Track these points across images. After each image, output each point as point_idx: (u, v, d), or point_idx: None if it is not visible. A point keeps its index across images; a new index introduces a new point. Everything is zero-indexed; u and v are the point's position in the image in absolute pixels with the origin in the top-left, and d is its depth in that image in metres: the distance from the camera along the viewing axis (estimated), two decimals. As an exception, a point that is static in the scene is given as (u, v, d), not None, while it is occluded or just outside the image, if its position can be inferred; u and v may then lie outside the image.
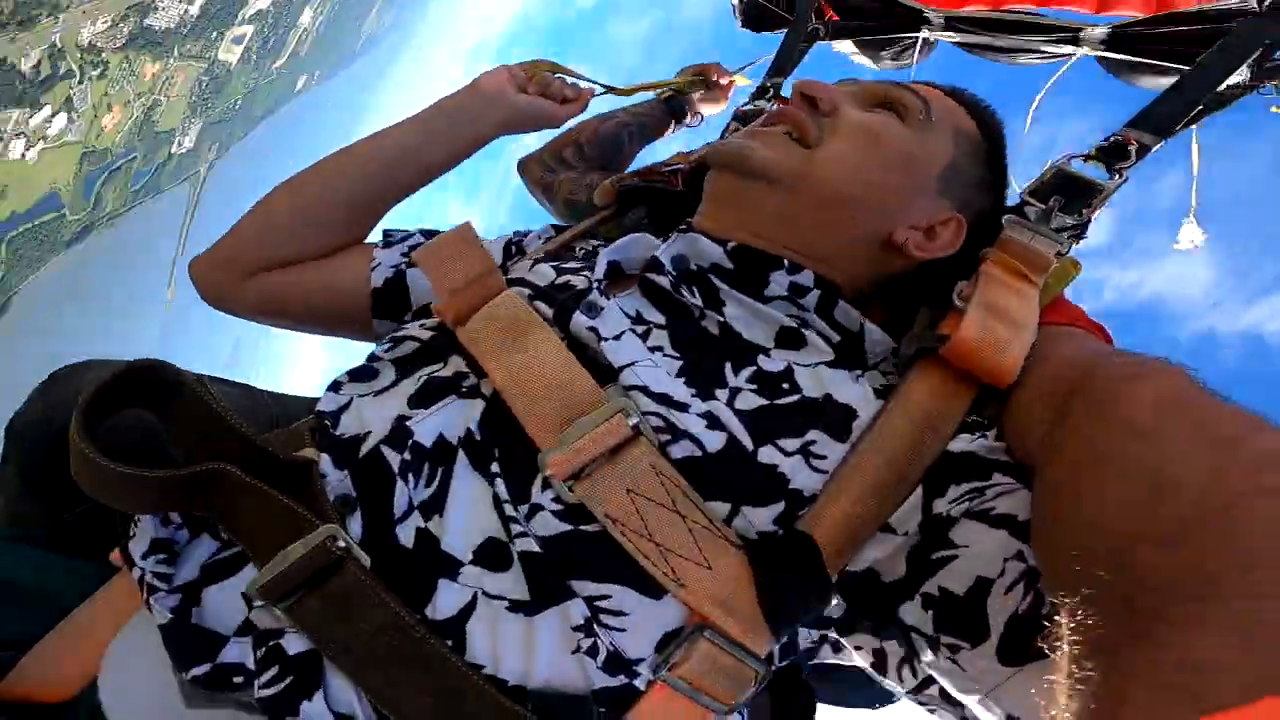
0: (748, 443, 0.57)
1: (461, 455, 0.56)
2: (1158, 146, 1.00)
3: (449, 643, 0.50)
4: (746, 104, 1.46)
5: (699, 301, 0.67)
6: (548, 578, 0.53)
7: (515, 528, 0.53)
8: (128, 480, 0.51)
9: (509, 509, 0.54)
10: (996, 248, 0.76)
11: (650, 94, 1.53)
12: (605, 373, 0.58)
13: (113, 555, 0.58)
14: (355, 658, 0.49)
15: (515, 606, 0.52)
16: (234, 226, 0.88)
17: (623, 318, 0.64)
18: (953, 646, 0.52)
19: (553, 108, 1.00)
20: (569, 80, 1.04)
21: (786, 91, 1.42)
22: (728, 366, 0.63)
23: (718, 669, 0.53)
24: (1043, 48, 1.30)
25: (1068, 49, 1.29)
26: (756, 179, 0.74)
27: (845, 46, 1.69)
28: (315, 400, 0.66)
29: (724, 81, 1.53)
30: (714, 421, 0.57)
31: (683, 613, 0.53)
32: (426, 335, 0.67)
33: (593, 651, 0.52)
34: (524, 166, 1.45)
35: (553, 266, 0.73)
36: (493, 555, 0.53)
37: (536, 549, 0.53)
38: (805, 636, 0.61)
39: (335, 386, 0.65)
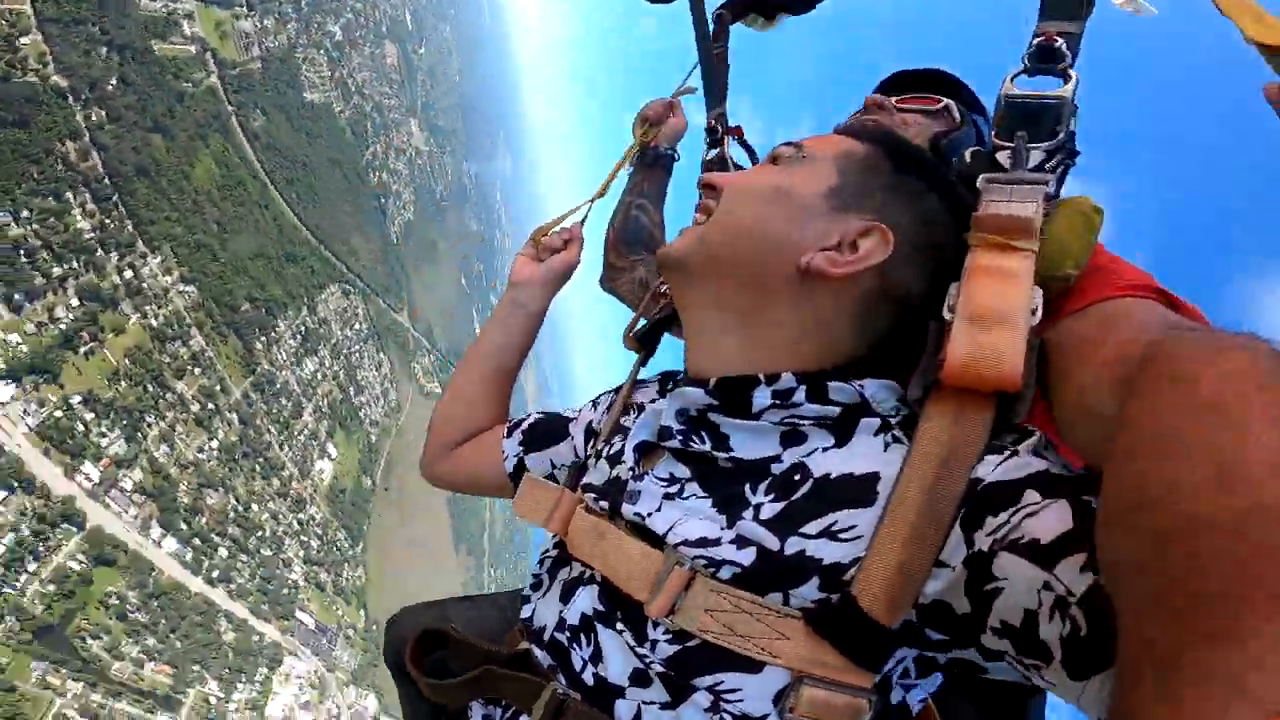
0: (774, 544, 0.72)
1: (597, 623, 0.83)
2: (1082, 30, 0.97)
3: None
4: (708, 154, 1.68)
5: (708, 447, 0.83)
6: (675, 683, 0.75)
7: (646, 658, 0.77)
8: (447, 689, 0.90)
9: (637, 648, 0.79)
10: (975, 229, 0.81)
11: (626, 169, 1.73)
12: (659, 538, 0.80)
13: None
14: None
15: (663, 706, 0.76)
16: (429, 425, 1.36)
17: (657, 491, 0.85)
18: (1035, 666, 0.60)
19: (562, 258, 1.39)
20: (561, 227, 1.43)
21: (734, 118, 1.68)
22: (747, 488, 0.78)
23: (829, 705, 0.68)
24: None
25: None
26: (679, 270, 0.94)
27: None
28: None
29: (668, 107, 1.74)
30: (742, 541, 0.74)
31: (786, 674, 0.70)
32: (555, 551, 0.98)
33: None
34: (602, 284, 1.80)
35: (608, 459, 0.98)
36: (640, 678, 0.78)
37: (662, 668, 0.76)
38: (922, 659, 0.72)
39: (526, 599, 0.99)
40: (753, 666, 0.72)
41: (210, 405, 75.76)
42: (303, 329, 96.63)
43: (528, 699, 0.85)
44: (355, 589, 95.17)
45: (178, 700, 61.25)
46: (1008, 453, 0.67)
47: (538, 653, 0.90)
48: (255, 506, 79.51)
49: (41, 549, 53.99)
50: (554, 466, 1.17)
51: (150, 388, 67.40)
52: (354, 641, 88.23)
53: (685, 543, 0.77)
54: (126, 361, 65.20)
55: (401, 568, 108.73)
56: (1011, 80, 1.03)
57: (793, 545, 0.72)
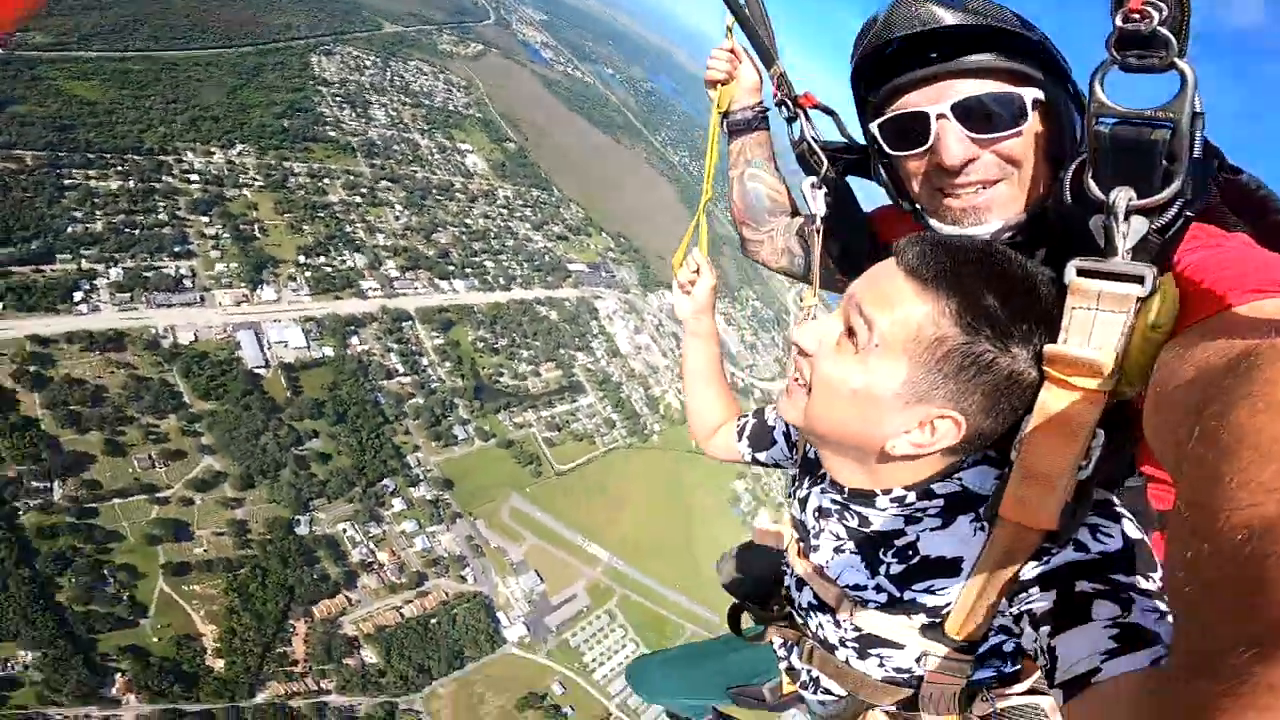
0: (896, 592, 1.15)
1: (815, 610, 1.35)
2: None
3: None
4: (793, 134, 1.64)
5: (855, 524, 1.22)
6: (859, 648, 1.26)
7: (843, 634, 1.28)
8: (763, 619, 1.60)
9: (836, 629, 1.30)
10: (1047, 362, 0.90)
11: (723, 146, 1.87)
12: (834, 580, 1.28)
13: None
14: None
15: (856, 659, 1.29)
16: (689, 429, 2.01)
17: (829, 545, 1.29)
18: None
19: (701, 286, 1.81)
20: (689, 255, 1.82)
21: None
22: (881, 550, 1.17)
23: (943, 661, 1.13)
24: None
25: None
26: (799, 429, 1.28)
27: None
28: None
29: (730, 57, 1.77)
30: (878, 589, 1.18)
31: (918, 649, 1.17)
32: (784, 565, 1.52)
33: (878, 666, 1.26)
34: (744, 254, 2.01)
35: (799, 500, 1.40)
36: (843, 642, 1.29)
37: (851, 640, 1.27)
38: (1015, 644, 1.11)
39: (784, 574, 1.52)
40: (898, 645, 1.19)
41: (363, 189, 78.16)
42: (338, 99, 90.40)
43: (796, 639, 1.49)
44: (584, 222, 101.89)
45: (579, 385, 75.13)
46: (1044, 557, 0.95)
47: (796, 616, 1.47)
48: (468, 221, 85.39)
49: (413, 350, 65.52)
50: (774, 461, 1.72)
51: (319, 214, 70.81)
52: (619, 259, 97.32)
53: (847, 586, 1.24)
54: (286, 216, 68.12)
55: (596, 179, 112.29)
56: (1101, 81, 0.82)
57: (908, 594, 1.13)
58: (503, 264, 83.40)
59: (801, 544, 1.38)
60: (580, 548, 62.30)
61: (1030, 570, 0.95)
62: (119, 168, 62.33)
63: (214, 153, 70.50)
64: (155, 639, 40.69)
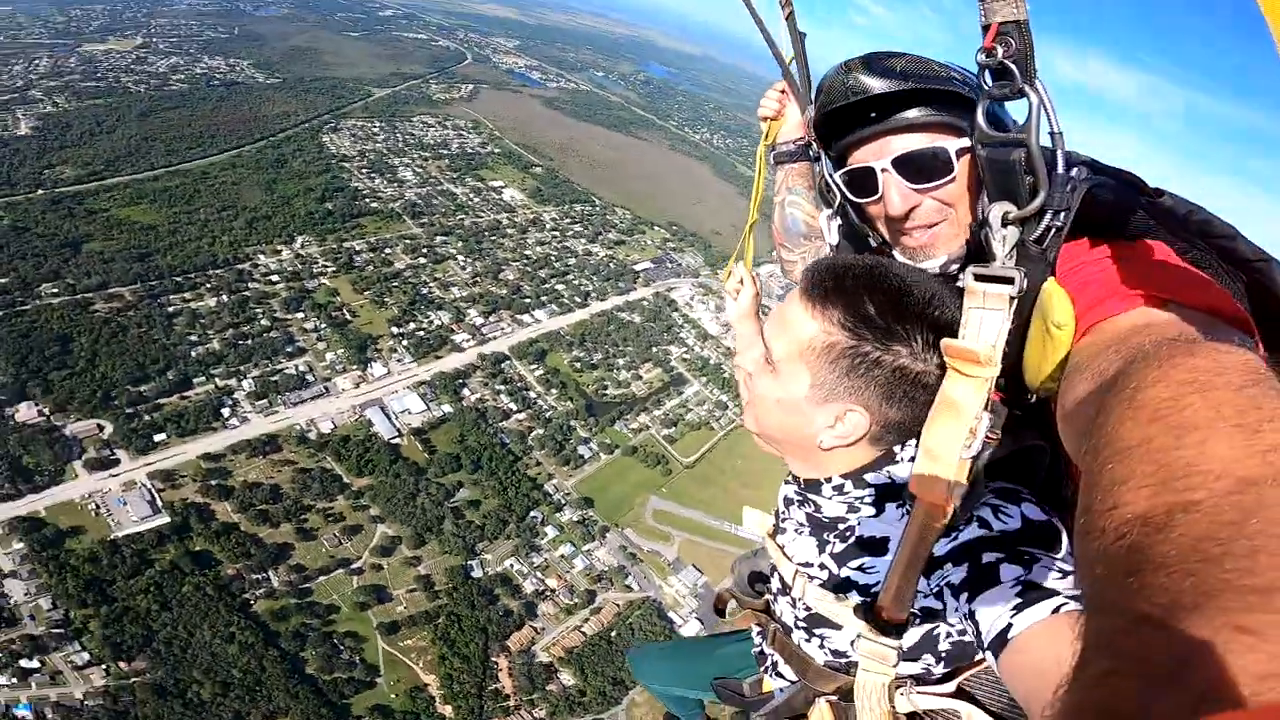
0: (835, 570, 1.34)
1: (778, 593, 1.59)
2: (1022, 13, 0.79)
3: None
4: (816, 169, 1.76)
5: (811, 510, 1.42)
6: (807, 630, 1.44)
7: (796, 616, 1.46)
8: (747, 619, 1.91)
9: (791, 609, 1.48)
10: (945, 353, 1.05)
11: (770, 172, 2.01)
12: (789, 558, 1.47)
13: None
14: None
15: (805, 641, 1.47)
16: None
17: (792, 529, 1.49)
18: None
19: (745, 295, 1.97)
20: (734, 269, 2.02)
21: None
22: (827, 533, 1.38)
23: (874, 647, 1.22)
24: None
25: None
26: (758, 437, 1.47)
27: None
28: None
29: (781, 95, 1.95)
30: (821, 566, 1.37)
31: (854, 631, 1.28)
32: (773, 554, 1.57)
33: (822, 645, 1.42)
34: (783, 274, 2.12)
35: (785, 498, 1.55)
36: (797, 623, 1.48)
37: (801, 621, 1.45)
38: (945, 631, 1.22)
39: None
40: (838, 627, 1.34)
41: (423, 249, 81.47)
42: (365, 170, 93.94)
43: (766, 624, 1.65)
44: (634, 222, 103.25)
45: (681, 377, 76.54)
46: (953, 535, 1.10)
47: (769, 603, 1.67)
48: (527, 252, 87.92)
49: (519, 386, 68.29)
50: None
51: (392, 283, 74.24)
52: (679, 248, 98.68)
53: (800, 563, 1.43)
54: (365, 293, 71.68)
55: (630, 178, 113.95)
56: (983, 111, 0.95)
57: (844, 572, 1.32)
58: (572, 283, 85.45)
59: (774, 529, 1.59)
60: (729, 534, 62.50)
61: (942, 547, 1.09)
62: (207, 285, 66.21)
63: (280, 250, 74.18)
64: (393, 695, 43.55)
